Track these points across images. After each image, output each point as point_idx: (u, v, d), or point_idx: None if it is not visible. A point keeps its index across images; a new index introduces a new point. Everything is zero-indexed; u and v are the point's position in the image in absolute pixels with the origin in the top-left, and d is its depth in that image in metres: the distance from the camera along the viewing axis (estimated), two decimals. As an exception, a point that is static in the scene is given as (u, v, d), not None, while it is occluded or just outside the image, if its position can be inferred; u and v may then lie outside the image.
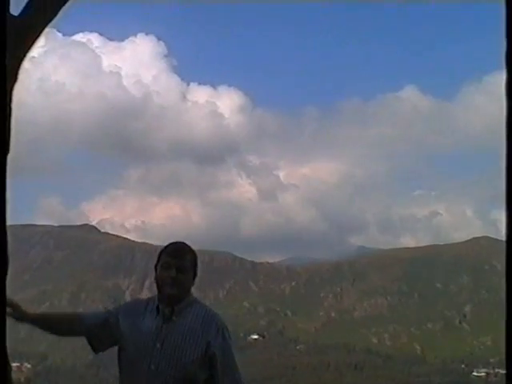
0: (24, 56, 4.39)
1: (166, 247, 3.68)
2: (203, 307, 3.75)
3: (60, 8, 4.57)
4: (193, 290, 3.81)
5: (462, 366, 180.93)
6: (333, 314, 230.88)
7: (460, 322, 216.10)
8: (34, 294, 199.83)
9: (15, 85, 4.29)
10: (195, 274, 3.70)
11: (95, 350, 3.83)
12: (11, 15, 4.13)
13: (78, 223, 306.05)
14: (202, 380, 3.58)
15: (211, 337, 3.57)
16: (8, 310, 3.45)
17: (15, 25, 4.20)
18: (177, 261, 3.57)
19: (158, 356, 3.50)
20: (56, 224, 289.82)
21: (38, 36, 4.46)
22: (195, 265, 3.70)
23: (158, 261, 3.66)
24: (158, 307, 3.63)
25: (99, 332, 3.76)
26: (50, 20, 4.58)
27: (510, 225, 1.69)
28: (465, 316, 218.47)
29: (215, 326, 3.64)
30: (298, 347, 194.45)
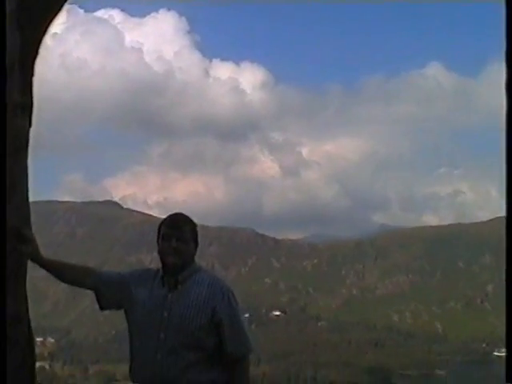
0: (45, 30, 4.26)
1: (165, 219, 3.77)
2: (208, 274, 3.80)
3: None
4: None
5: (483, 345, 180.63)
6: (354, 292, 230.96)
7: (482, 302, 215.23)
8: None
9: (36, 59, 4.24)
10: (196, 244, 3.77)
11: (101, 306, 3.95)
12: None
13: (101, 199, 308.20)
14: (211, 346, 3.64)
15: (217, 303, 3.63)
16: (26, 247, 3.77)
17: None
18: (176, 231, 3.65)
19: (165, 325, 3.57)
20: (79, 200, 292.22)
21: (58, 10, 4.36)
22: (195, 235, 3.78)
23: (159, 233, 3.75)
24: (162, 278, 3.71)
25: (108, 291, 3.86)
26: None
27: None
28: (487, 295, 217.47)
29: (220, 291, 3.69)
30: (319, 324, 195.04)
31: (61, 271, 3.98)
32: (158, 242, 3.76)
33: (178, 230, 3.67)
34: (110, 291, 3.87)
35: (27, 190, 4.00)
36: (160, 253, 3.73)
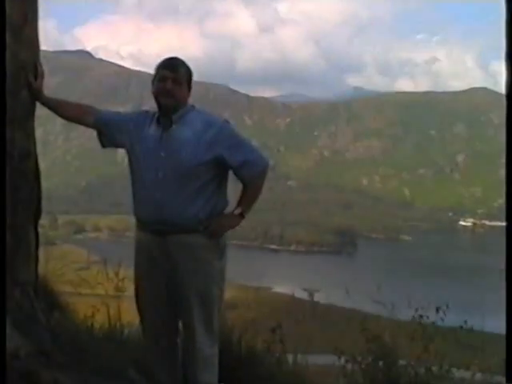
0: None
1: (162, 61, 3.84)
2: (201, 112, 3.89)
3: None
4: None
5: (450, 214, 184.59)
6: (326, 154, 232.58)
7: (451, 171, 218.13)
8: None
9: None
10: (190, 87, 3.86)
11: (103, 144, 4.06)
12: None
13: (73, 49, 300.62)
14: (208, 179, 3.75)
15: (214, 134, 3.73)
16: (31, 79, 3.89)
17: None
18: (172, 73, 3.75)
19: (163, 164, 3.69)
20: (50, 49, 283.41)
21: None
22: (190, 78, 3.86)
23: (155, 75, 3.83)
24: (158, 119, 3.81)
25: (109, 130, 3.97)
26: None
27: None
28: (457, 165, 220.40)
29: (215, 124, 3.78)
30: (288, 183, 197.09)
31: (63, 108, 4.09)
32: (153, 82, 3.85)
33: (174, 72, 3.76)
34: (110, 130, 3.96)
35: (37, 29, 4.07)
36: (155, 94, 3.80)
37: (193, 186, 3.70)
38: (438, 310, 5.07)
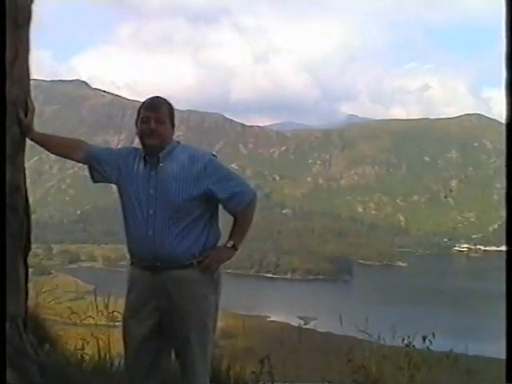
0: None
1: (144, 103, 3.89)
2: (187, 147, 3.96)
3: None
4: None
5: (445, 239, 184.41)
6: (320, 181, 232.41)
7: (446, 197, 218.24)
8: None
9: None
10: (173, 124, 3.92)
11: (93, 179, 4.09)
12: None
13: (69, 78, 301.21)
14: (199, 213, 3.79)
15: (201, 169, 3.78)
16: (21, 116, 3.92)
17: None
18: (154, 113, 3.80)
19: (153, 201, 3.74)
20: (47, 79, 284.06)
21: None
22: (172, 115, 3.92)
23: (138, 116, 3.89)
24: (145, 158, 3.86)
25: (99, 165, 4.00)
26: None
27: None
28: (451, 191, 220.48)
29: (201, 158, 3.83)
30: (283, 211, 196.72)
31: (53, 143, 4.15)
32: (136, 124, 3.91)
33: (155, 112, 3.81)
34: (101, 165, 3.99)
35: (28, 64, 4.11)
36: (139, 135, 3.87)
37: (184, 221, 3.74)
38: (424, 338, 5.10)
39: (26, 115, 4.00)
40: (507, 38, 1.83)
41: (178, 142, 3.95)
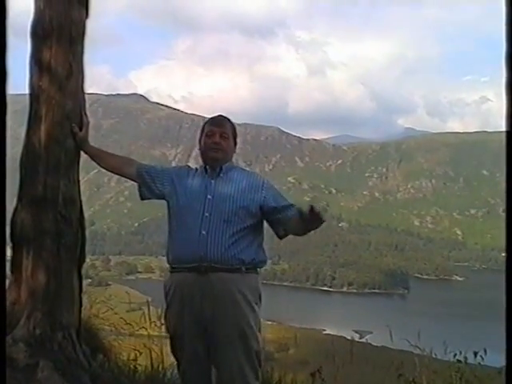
0: None
1: (209, 119, 4.02)
2: (245, 170, 4.08)
3: None
4: (239, 162, 3.86)
5: (503, 254, 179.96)
6: (376, 194, 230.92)
7: (503, 211, 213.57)
8: (81, 159, 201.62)
9: None
10: (235, 143, 4.05)
11: (142, 196, 4.13)
12: None
13: (127, 92, 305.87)
14: (250, 224, 3.84)
15: (259, 187, 3.87)
16: (76, 130, 4.11)
17: None
18: (219, 128, 3.92)
19: (210, 205, 3.79)
20: (105, 93, 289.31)
21: None
22: (235, 133, 4.04)
23: (202, 132, 4.01)
24: (206, 168, 3.94)
25: (151, 179, 4.05)
26: None
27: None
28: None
29: (260, 179, 3.95)
30: (340, 225, 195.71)
31: (106, 158, 4.22)
32: (199, 141, 4.02)
33: (220, 127, 3.92)
34: (152, 180, 4.04)
35: (83, 79, 4.21)
36: (202, 149, 3.97)
37: (238, 226, 3.77)
38: (475, 354, 5.01)
39: (80, 129, 4.14)
40: (507, 38, 1.85)
41: (236, 164, 4.07)
